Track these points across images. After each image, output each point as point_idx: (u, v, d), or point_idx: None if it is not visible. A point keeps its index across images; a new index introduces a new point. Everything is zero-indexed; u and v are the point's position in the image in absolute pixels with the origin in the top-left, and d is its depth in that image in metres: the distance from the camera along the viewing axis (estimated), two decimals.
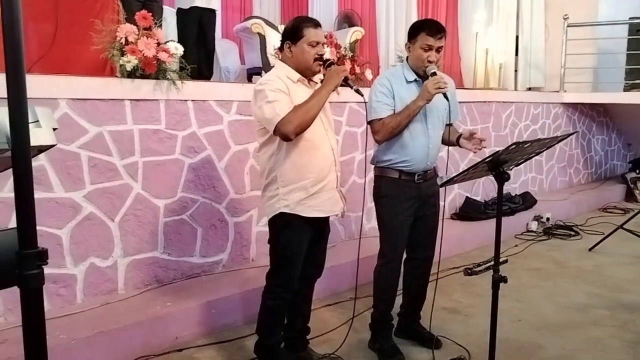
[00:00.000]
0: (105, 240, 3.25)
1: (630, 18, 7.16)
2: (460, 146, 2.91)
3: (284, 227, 2.56)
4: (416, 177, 2.88)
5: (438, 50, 2.76)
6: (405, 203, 2.88)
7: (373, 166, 3.00)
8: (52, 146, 1.23)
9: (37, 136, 1.15)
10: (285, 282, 2.63)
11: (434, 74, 2.72)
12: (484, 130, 6.02)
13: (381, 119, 2.77)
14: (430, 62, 2.75)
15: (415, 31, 2.79)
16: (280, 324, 2.73)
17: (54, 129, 1.21)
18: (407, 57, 2.89)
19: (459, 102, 5.69)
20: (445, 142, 3.00)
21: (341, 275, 3.81)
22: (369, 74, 4.84)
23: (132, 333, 2.95)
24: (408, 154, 2.83)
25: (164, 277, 3.52)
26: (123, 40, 3.27)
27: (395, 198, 2.86)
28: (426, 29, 2.74)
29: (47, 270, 3.03)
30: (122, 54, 3.26)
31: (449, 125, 2.96)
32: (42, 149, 1.26)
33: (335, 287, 3.83)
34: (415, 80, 2.85)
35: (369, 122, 2.84)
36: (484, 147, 2.85)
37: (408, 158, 2.84)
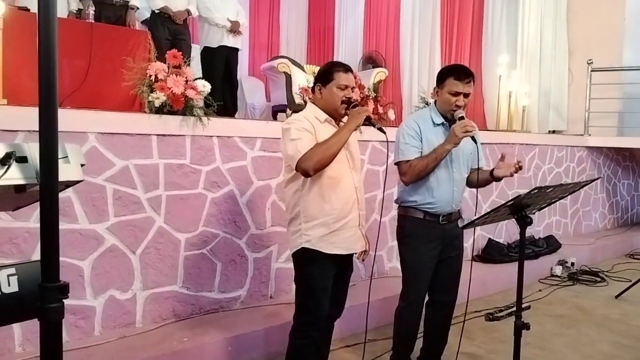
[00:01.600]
0: (125, 273, 3.27)
1: None
2: (496, 177, 2.84)
3: (308, 262, 2.58)
4: (441, 219, 2.88)
5: (466, 95, 2.78)
6: (430, 244, 2.87)
7: (397, 205, 3.01)
8: (80, 182, 1.26)
9: (65, 172, 1.19)
10: (313, 320, 2.60)
11: (462, 118, 2.73)
12: None
13: (408, 160, 2.78)
14: (458, 106, 2.77)
15: (443, 76, 2.83)
16: None
17: (82, 165, 1.25)
18: (435, 101, 2.93)
19: (483, 144, 5.70)
20: (478, 184, 2.93)
21: (361, 315, 3.75)
22: (391, 114, 4.88)
23: None
24: (434, 196, 2.84)
25: (182, 311, 3.51)
26: (153, 77, 3.37)
27: (419, 238, 2.86)
28: (454, 75, 2.77)
29: (67, 301, 3.05)
30: (152, 90, 3.35)
31: (478, 169, 2.95)
32: (69, 184, 1.29)
33: (354, 327, 3.76)
34: (443, 123, 2.87)
35: (396, 164, 2.86)
36: (520, 167, 2.77)
37: (433, 200, 2.84)
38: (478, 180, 2.90)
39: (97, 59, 3.95)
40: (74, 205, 3.06)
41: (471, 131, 2.66)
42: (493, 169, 2.88)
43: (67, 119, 3.01)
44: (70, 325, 3.06)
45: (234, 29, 5.35)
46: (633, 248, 7.03)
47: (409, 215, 2.89)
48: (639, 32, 7.74)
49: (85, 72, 3.92)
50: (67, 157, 1.23)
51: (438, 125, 2.87)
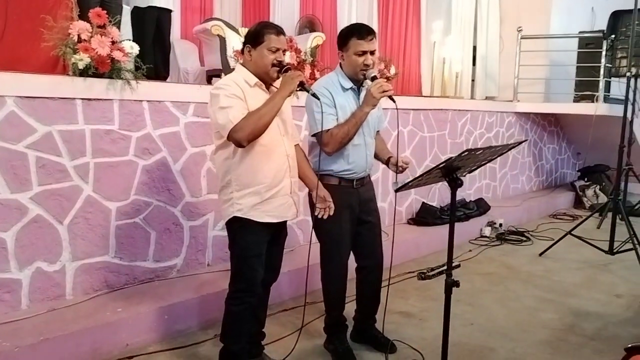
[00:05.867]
0: (53, 244, 3.13)
1: (580, 32, 7.45)
2: (388, 167, 2.99)
3: (240, 229, 2.55)
4: (355, 183, 2.90)
5: (372, 53, 2.75)
6: (347, 209, 2.87)
7: None
8: None
9: None
10: (248, 286, 2.59)
11: (375, 77, 2.72)
12: (440, 137, 6.13)
13: (328, 130, 2.72)
14: (367, 65, 2.74)
15: (345, 38, 2.78)
16: (246, 329, 2.69)
17: None
18: (340, 64, 2.87)
19: (417, 110, 5.81)
20: (377, 157, 3.03)
21: (299, 279, 3.79)
22: None
23: (79, 340, 2.85)
24: (350, 162, 2.84)
25: (115, 282, 3.42)
26: (76, 38, 3.18)
27: (337, 205, 2.78)
28: (356, 34, 2.73)
29: None
30: (75, 51, 3.16)
31: (377, 132, 3.02)
32: None
33: (293, 291, 3.82)
34: (352, 87, 2.85)
35: (314, 135, 2.79)
36: (404, 169, 2.89)
37: (350, 167, 2.85)
38: (380, 154, 3.01)
39: (14, 17, 3.65)
40: None
41: (388, 90, 2.64)
42: (389, 157, 2.96)
43: None
44: None
45: None
46: (556, 209, 7.47)
47: (324, 182, 2.78)
48: (566, 1, 8.03)
49: (1, 33, 3.63)
50: None
51: (347, 89, 2.83)
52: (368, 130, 2.89)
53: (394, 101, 2.71)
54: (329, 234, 2.91)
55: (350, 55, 2.75)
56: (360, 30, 2.74)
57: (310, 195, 2.89)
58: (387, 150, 3.09)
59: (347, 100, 2.81)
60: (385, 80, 3.26)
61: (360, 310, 3.21)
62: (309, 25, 6.48)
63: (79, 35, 3.18)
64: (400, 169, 2.88)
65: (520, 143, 2.81)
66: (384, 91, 2.64)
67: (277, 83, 2.56)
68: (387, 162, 2.99)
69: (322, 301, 3.12)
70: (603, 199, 7.57)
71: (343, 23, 6.27)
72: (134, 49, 3.40)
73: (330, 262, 2.96)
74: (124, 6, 5.08)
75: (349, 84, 2.83)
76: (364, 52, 2.72)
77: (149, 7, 4.93)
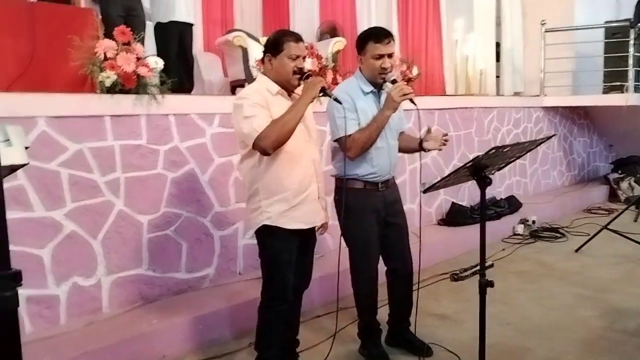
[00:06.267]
0: (88, 259, 3.20)
1: (606, 22, 7.29)
2: (425, 149, 2.89)
3: (270, 237, 2.56)
4: (380, 186, 2.88)
5: (390, 56, 2.75)
6: (373, 213, 2.87)
7: (334, 178, 2.95)
8: (24, 165, 1.21)
9: (8, 155, 1.13)
10: (280, 294, 2.60)
11: (395, 81, 2.71)
12: (467, 136, 6.06)
13: (350, 135, 2.72)
14: (384, 69, 2.74)
15: (363, 42, 2.78)
16: (280, 337, 2.69)
17: (26, 148, 1.19)
18: (360, 69, 2.87)
19: (442, 109, 5.76)
20: (407, 150, 3.01)
21: (330, 285, 3.77)
22: None
23: (117, 352, 2.90)
24: (374, 165, 2.83)
25: (149, 294, 3.47)
26: (102, 56, 3.25)
27: (363, 209, 2.82)
28: (373, 38, 2.74)
29: (29, 291, 2.98)
30: (101, 69, 3.24)
31: (401, 133, 3.01)
32: (14, 168, 1.23)
33: (325, 297, 3.80)
34: (372, 91, 2.84)
35: (336, 140, 2.79)
36: (447, 141, 2.82)
37: (374, 170, 2.83)
38: (409, 145, 2.98)
39: (42, 40, 3.75)
40: (27, 193, 2.96)
41: (409, 93, 2.63)
42: (421, 140, 2.89)
43: (14, 104, 2.92)
44: (34, 315, 2.99)
45: None
46: (590, 203, 7.28)
47: (349, 187, 2.79)
48: None
49: (31, 55, 3.73)
50: (9, 139, 1.17)
51: (368, 93, 2.83)
52: (390, 133, 2.89)
53: (414, 104, 2.71)
54: (356, 238, 2.90)
55: (369, 59, 2.76)
56: (377, 34, 2.75)
57: (336, 200, 2.89)
58: (415, 138, 3.03)
59: (368, 104, 2.81)
60: (407, 82, 3.25)
61: (393, 314, 3.19)
62: (329, 30, 6.49)
63: (105, 54, 3.25)
64: (442, 142, 2.80)
65: (549, 138, 2.77)
66: (404, 94, 2.64)
67: (299, 90, 2.57)
68: (419, 146, 2.90)
69: (355, 306, 3.11)
70: (639, 190, 7.37)
71: (363, 27, 6.27)
72: (159, 64, 3.47)
73: (360, 266, 2.95)
74: (147, 22, 5.19)
75: (369, 88, 2.83)
76: (382, 56, 2.73)
77: (171, 22, 5.01)
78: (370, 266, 2.94)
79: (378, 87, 2.84)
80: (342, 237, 2.88)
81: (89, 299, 3.22)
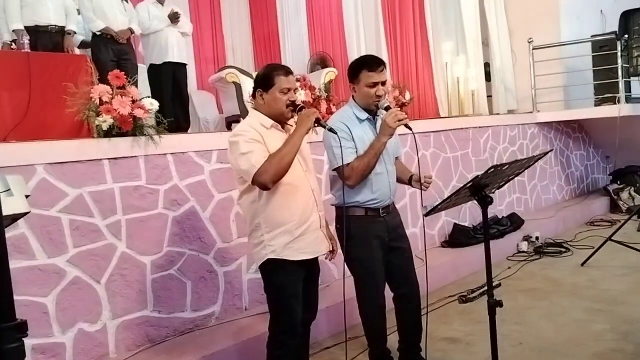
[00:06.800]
0: (92, 304, 3.17)
1: (592, 35, 7.39)
2: (412, 186, 2.97)
3: (275, 270, 2.54)
4: (381, 212, 2.88)
5: (383, 83, 2.78)
6: (376, 240, 2.86)
7: (334, 207, 2.95)
8: (26, 213, 1.21)
9: (10, 205, 1.13)
10: (288, 328, 2.57)
11: (388, 107, 2.74)
12: (464, 156, 6.09)
13: (349, 163, 2.73)
14: (379, 96, 2.76)
15: (356, 71, 2.80)
16: None
17: (27, 196, 1.20)
18: (353, 97, 2.90)
19: (437, 131, 5.79)
20: (399, 179, 3.02)
21: (337, 315, 3.74)
22: None
23: None
24: (374, 191, 2.83)
25: (156, 335, 3.42)
26: (97, 101, 3.29)
27: (366, 236, 2.81)
28: (366, 67, 2.76)
29: (34, 340, 2.93)
30: (97, 114, 3.27)
31: (396, 158, 3.04)
32: (15, 218, 1.23)
33: (332, 328, 3.75)
34: (367, 118, 2.86)
35: (334, 169, 2.80)
36: (429, 183, 2.87)
37: (375, 196, 2.83)
38: (402, 176, 3.02)
39: (38, 88, 3.82)
40: (29, 241, 2.94)
41: (403, 119, 2.66)
42: (412, 176, 2.96)
43: (12, 153, 2.93)
44: None
45: (174, 17, 5.23)
46: (592, 215, 7.26)
47: (351, 215, 2.80)
48: (573, 6, 8.01)
49: (27, 104, 3.78)
50: (9, 189, 1.17)
51: (363, 120, 2.85)
52: (388, 158, 2.90)
53: (410, 128, 2.74)
54: (361, 267, 2.89)
55: (362, 88, 2.78)
56: (370, 62, 2.78)
57: (337, 229, 2.89)
58: (408, 170, 3.10)
59: (364, 131, 2.83)
60: (401, 107, 3.28)
61: (404, 340, 3.14)
62: (320, 61, 6.60)
63: (100, 98, 3.29)
64: (425, 185, 2.85)
65: (546, 153, 2.79)
66: (399, 120, 2.66)
67: (292, 121, 2.59)
68: (409, 181, 2.97)
69: (364, 335, 3.06)
70: (639, 200, 7.36)
71: (353, 55, 6.36)
72: (154, 105, 3.50)
73: (366, 295, 2.92)
74: (139, 65, 5.27)
75: (364, 115, 2.85)
76: (376, 84, 2.75)
77: (164, 63, 5.09)
78: (377, 294, 2.92)
79: (373, 113, 2.86)
80: (345, 265, 2.86)
81: (95, 344, 3.17)
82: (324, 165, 4.48)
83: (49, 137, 3.26)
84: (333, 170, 2.84)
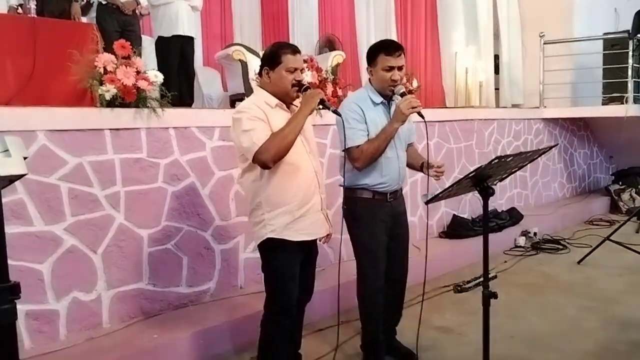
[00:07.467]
0: (88, 273, 3.17)
1: (605, 33, 7.32)
2: (423, 173, 2.94)
3: (274, 250, 2.54)
4: (388, 197, 2.90)
5: (400, 68, 2.78)
6: (381, 223, 2.89)
7: (342, 188, 2.96)
8: (23, 175, 1.19)
9: (7, 165, 1.12)
10: (284, 308, 2.57)
11: (404, 94, 2.74)
12: (468, 148, 6.06)
13: (358, 146, 2.75)
14: (394, 81, 2.77)
15: (374, 54, 2.82)
16: (283, 352, 2.66)
17: (25, 158, 1.18)
18: (370, 80, 2.91)
19: (442, 121, 5.76)
20: (410, 166, 3.04)
21: (332, 298, 3.74)
22: None
23: None
24: (384, 175, 2.85)
25: (150, 308, 3.43)
26: (102, 70, 3.26)
27: (372, 218, 2.86)
28: (384, 50, 2.78)
29: (28, 306, 2.95)
30: (101, 83, 3.24)
31: (409, 145, 3.05)
32: (12, 179, 1.22)
33: (326, 311, 3.76)
34: (382, 102, 2.87)
35: (345, 150, 2.80)
36: (442, 173, 2.85)
37: (383, 180, 2.85)
38: (413, 162, 3.03)
39: (43, 54, 3.77)
40: (27, 207, 2.94)
41: (417, 106, 2.67)
42: (423, 162, 2.95)
43: (14, 117, 2.91)
44: (33, 331, 2.95)
45: None
46: (591, 215, 7.25)
47: (358, 196, 2.86)
48: (587, 3, 7.92)
49: (31, 69, 3.74)
50: (7, 150, 1.15)
51: (378, 104, 2.86)
52: (400, 144, 2.91)
53: (422, 117, 2.75)
54: (366, 248, 2.91)
55: (379, 71, 2.79)
56: (388, 47, 2.79)
57: (345, 210, 2.90)
58: (421, 157, 3.09)
59: (378, 115, 2.84)
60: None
61: (385, 322, 3.16)
62: (328, 44, 6.53)
63: (104, 67, 3.26)
64: (436, 175, 2.84)
65: (551, 148, 2.77)
66: (412, 107, 2.66)
67: (297, 101, 2.57)
68: (421, 168, 2.97)
69: (358, 319, 3.07)
70: None
71: (362, 40, 6.31)
72: (158, 77, 3.47)
73: (368, 275, 2.94)
74: (147, 37, 5.23)
75: (379, 99, 2.86)
76: (392, 68, 2.76)
77: (173, 36, 5.03)
78: (377, 277, 2.94)
79: (388, 98, 2.87)
80: (341, 250, 2.85)
81: (89, 313, 3.18)
82: (326, 149, 4.47)
83: (52, 104, 3.23)
84: (343, 150, 2.84)
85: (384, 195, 2.88)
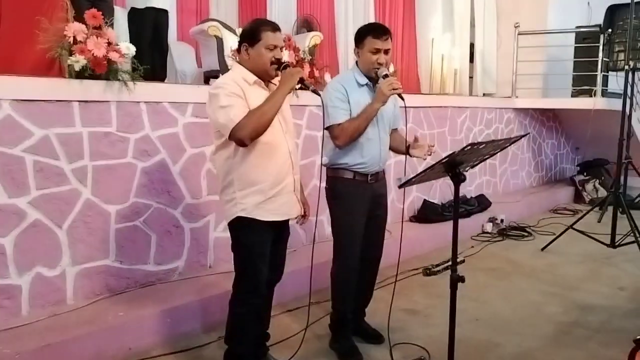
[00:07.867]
0: (52, 249, 3.10)
1: (577, 27, 7.43)
2: (411, 155, 2.95)
3: (244, 229, 2.51)
4: (369, 178, 2.93)
5: (386, 52, 2.82)
6: (361, 203, 2.92)
7: (325, 168, 3.01)
8: None
9: None
10: (253, 288, 2.56)
11: (386, 76, 2.77)
12: (440, 135, 6.11)
13: (340, 124, 2.78)
14: (380, 64, 2.80)
15: (361, 36, 2.85)
16: (251, 331, 2.65)
17: None
18: (357, 62, 2.94)
19: (416, 107, 5.78)
20: (395, 150, 3.08)
21: (302, 279, 3.75)
22: (327, 78, 4.83)
23: (82, 345, 2.82)
24: (363, 156, 2.87)
25: (116, 286, 3.38)
26: (71, 40, 3.15)
27: (351, 198, 2.89)
28: (372, 33, 2.81)
29: None
30: (71, 53, 3.13)
31: (394, 130, 3.07)
32: None
33: (296, 291, 3.77)
34: (367, 84, 2.90)
35: (326, 128, 2.84)
36: (432, 152, 2.87)
37: (363, 160, 2.88)
38: (398, 146, 3.03)
39: (9, 20, 3.61)
40: None
41: (397, 88, 2.70)
42: (409, 145, 2.94)
43: None
44: None
45: None
46: (557, 204, 7.45)
47: (339, 176, 2.91)
48: None
49: None
50: None
51: (362, 85, 2.89)
52: (383, 126, 2.93)
53: (403, 99, 2.79)
54: (343, 226, 2.94)
55: (365, 53, 2.82)
56: (376, 29, 2.82)
57: (326, 189, 2.94)
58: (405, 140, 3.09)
59: (362, 96, 2.86)
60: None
61: (354, 300, 3.19)
62: (306, 25, 6.45)
63: (74, 37, 3.15)
64: (429, 150, 2.85)
65: (522, 136, 2.84)
66: (393, 89, 2.69)
67: (276, 80, 2.53)
68: (407, 150, 2.96)
69: (328, 300, 3.09)
70: (603, 193, 7.56)
71: (340, 22, 6.26)
72: (130, 49, 3.37)
73: (344, 253, 2.97)
74: (120, 8, 5.06)
75: (364, 80, 2.89)
76: (378, 50, 2.79)
77: (147, 8, 4.89)
78: (354, 255, 2.96)
79: (373, 80, 2.88)
80: (316, 232, 2.86)
81: (53, 289, 3.12)
82: (302, 129, 4.44)
83: (18, 72, 3.11)
84: (325, 129, 2.84)
85: (364, 177, 2.90)
